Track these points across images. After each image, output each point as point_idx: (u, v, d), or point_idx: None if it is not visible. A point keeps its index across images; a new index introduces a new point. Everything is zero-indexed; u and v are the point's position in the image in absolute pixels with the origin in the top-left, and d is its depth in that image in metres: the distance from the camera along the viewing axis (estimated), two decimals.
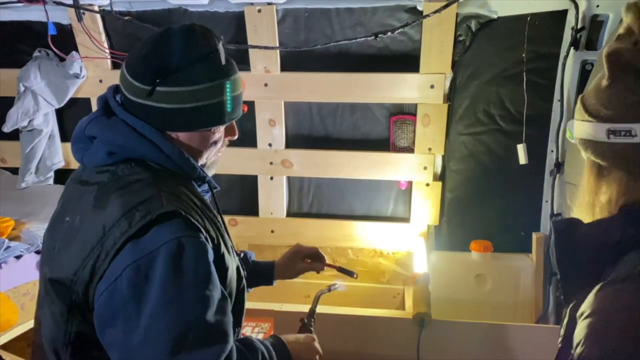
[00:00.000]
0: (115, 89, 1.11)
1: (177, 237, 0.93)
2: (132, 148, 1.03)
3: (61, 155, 2.45)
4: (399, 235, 2.37)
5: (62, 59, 2.30)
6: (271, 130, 2.32)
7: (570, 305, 0.84)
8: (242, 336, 1.17)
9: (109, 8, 2.12)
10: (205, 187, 1.16)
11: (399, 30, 2.01)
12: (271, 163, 2.36)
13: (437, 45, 2.06)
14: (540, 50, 1.97)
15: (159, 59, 1.02)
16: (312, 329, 1.36)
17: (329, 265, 1.52)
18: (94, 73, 2.34)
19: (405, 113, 2.25)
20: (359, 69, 2.17)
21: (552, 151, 2.06)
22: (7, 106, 2.32)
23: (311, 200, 2.47)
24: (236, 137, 1.18)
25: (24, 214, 2.20)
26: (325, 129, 2.34)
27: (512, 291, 2.14)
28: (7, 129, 2.30)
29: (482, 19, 2.00)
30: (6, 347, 1.92)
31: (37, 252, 2.01)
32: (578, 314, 0.77)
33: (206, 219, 1.05)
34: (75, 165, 2.64)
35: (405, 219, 2.38)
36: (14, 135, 2.39)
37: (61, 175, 2.49)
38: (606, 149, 0.82)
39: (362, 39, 2.05)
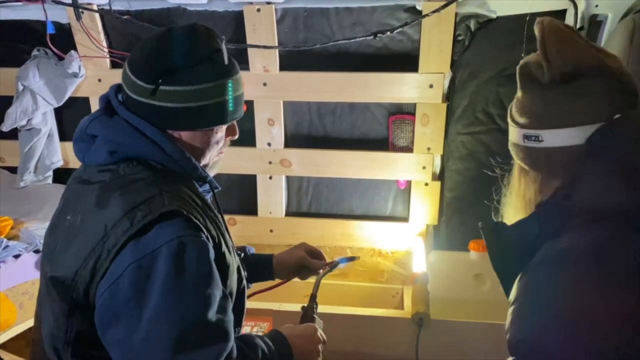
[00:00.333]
0: (117, 89, 1.11)
1: (178, 236, 0.94)
2: (134, 147, 1.04)
3: (60, 154, 2.44)
4: (397, 235, 2.38)
5: (60, 58, 2.30)
6: (270, 130, 2.32)
7: None
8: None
9: (107, 7, 2.12)
10: (207, 187, 1.16)
11: (398, 30, 2.01)
12: (270, 162, 2.36)
13: (436, 45, 2.06)
14: None
15: (162, 58, 1.03)
16: (314, 316, 1.34)
17: (329, 264, 1.51)
18: (92, 72, 2.34)
19: (404, 113, 2.25)
20: (357, 68, 2.17)
21: None
22: (5, 105, 2.31)
23: (310, 200, 2.47)
24: (237, 136, 1.19)
25: (23, 213, 2.20)
26: (324, 128, 2.34)
27: None
28: (5, 128, 2.29)
29: (481, 18, 2.00)
30: (5, 346, 1.92)
31: (36, 252, 2.01)
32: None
33: (207, 219, 1.05)
34: (74, 164, 2.65)
35: (404, 219, 2.38)
36: (13, 134, 2.39)
37: (60, 175, 2.48)
38: (524, 152, 0.92)
39: (361, 39, 2.05)
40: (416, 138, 2.23)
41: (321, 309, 1.41)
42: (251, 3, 2.08)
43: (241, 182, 2.46)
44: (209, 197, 1.17)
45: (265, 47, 2.13)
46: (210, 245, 1.00)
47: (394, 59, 2.15)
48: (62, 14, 2.22)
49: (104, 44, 2.27)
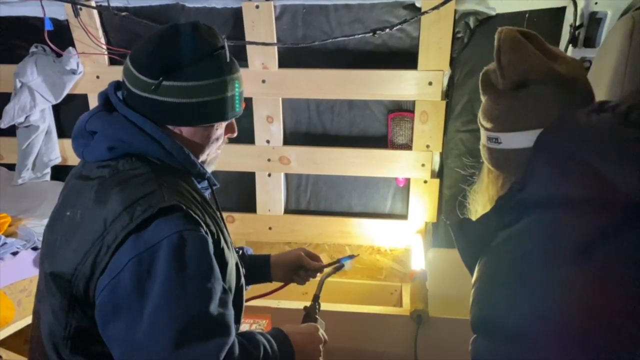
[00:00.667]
0: (115, 86, 1.12)
1: (178, 230, 0.94)
2: (133, 143, 1.04)
3: (58, 151, 2.44)
4: (396, 232, 2.38)
5: (58, 55, 2.29)
6: (269, 127, 2.32)
7: None
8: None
9: (105, 4, 2.11)
10: (205, 184, 1.17)
11: (397, 27, 2.01)
12: (269, 160, 2.36)
13: (435, 42, 2.06)
14: None
15: (166, 54, 1.04)
16: (316, 316, 1.35)
17: (331, 265, 1.52)
18: (90, 69, 2.33)
19: (403, 110, 2.25)
20: (356, 65, 2.17)
21: None
22: (3, 102, 2.31)
23: (309, 197, 2.47)
24: (235, 134, 1.20)
25: (21, 210, 2.20)
26: (323, 125, 2.34)
27: None
28: (3, 125, 2.29)
29: (480, 15, 2.00)
30: (3, 343, 1.92)
31: (34, 249, 2.01)
32: None
33: (206, 214, 1.06)
34: (72, 161, 2.65)
35: (403, 216, 2.38)
36: (11, 131, 2.38)
37: (58, 172, 2.48)
38: (488, 153, 1.01)
39: (360, 36, 2.05)
40: (415, 135, 2.23)
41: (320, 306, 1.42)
42: (250, 0, 2.08)
43: (240, 179, 2.46)
44: (207, 194, 1.18)
45: (264, 44, 2.13)
46: (210, 240, 1.00)
47: (393, 56, 2.14)
48: (60, 11, 2.22)
49: (102, 40, 2.27)
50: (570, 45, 1.87)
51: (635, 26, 1.30)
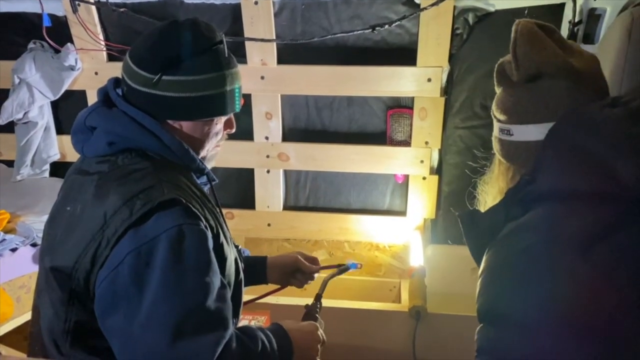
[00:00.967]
0: (114, 82, 1.13)
1: (177, 224, 0.95)
2: (132, 138, 1.05)
3: (57, 147, 2.43)
4: (395, 229, 2.38)
5: (57, 51, 2.28)
6: (268, 124, 2.32)
7: None
8: None
9: (104, 0, 2.11)
10: (204, 179, 1.18)
11: (396, 23, 2.01)
12: (268, 156, 2.36)
13: (434, 39, 2.06)
14: None
15: (166, 49, 1.05)
16: (317, 315, 1.35)
17: (324, 268, 1.52)
18: (89, 65, 2.33)
19: (402, 106, 2.25)
20: (355, 62, 2.16)
21: None
22: (1, 98, 2.30)
23: (308, 194, 2.47)
24: (234, 130, 1.21)
25: (20, 206, 2.20)
26: (322, 122, 2.34)
27: None
28: (2, 121, 2.28)
29: (479, 12, 2.00)
30: (2, 339, 1.93)
31: (33, 245, 2.01)
32: None
33: (206, 209, 1.06)
34: (71, 157, 2.65)
35: (402, 213, 2.38)
36: (9, 127, 2.38)
37: (57, 168, 2.48)
38: (499, 145, 1.02)
39: (359, 32, 2.04)
40: (414, 132, 2.23)
41: None
42: None
43: (239, 175, 2.46)
44: (206, 189, 1.18)
45: (262, 40, 2.13)
46: (209, 234, 1.01)
47: (392, 53, 2.14)
48: (58, 7, 2.21)
49: (101, 36, 2.26)
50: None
51: (634, 22, 1.30)
